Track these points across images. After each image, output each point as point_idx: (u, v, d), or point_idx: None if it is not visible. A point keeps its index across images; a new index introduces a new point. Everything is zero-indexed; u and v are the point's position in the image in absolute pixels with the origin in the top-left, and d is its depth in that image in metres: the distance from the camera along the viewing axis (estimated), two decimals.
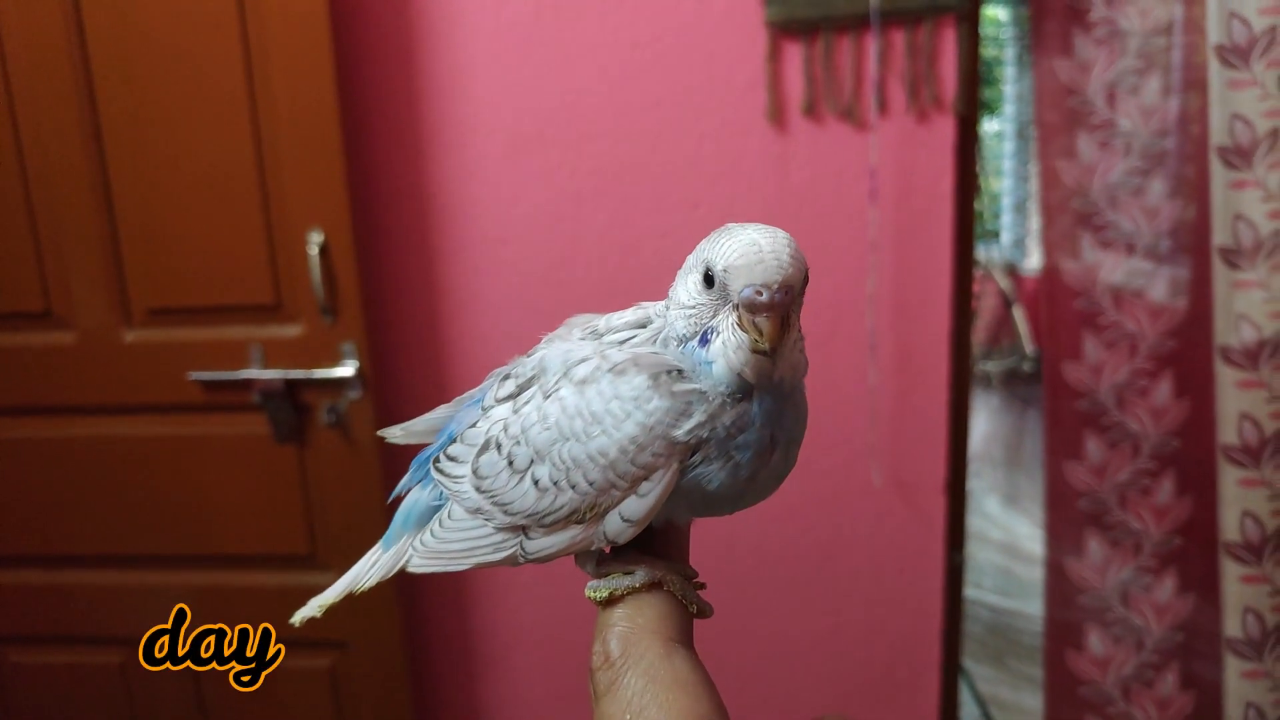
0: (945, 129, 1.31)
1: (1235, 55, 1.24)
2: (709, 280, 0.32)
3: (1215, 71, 1.26)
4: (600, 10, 1.33)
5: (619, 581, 0.34)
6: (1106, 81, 1.36)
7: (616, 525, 0.34)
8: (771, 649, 1.55)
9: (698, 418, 0.32)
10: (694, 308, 0.33)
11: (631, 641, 0.32)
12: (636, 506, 0.33)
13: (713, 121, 1.35)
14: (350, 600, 1.51)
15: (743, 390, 0.32)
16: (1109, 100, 1.37)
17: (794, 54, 1.31)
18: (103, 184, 1.35)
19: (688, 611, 0.33)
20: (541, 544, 0.36)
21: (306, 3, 1.25)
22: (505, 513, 0.37)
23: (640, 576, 0.34)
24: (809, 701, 1.57)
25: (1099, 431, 1.36)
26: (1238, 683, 1.27)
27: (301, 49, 1.27)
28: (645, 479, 0.33)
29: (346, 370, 1.37)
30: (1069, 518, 1.37)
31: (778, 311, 0.30)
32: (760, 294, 0.30)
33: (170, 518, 1.49)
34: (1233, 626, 1.26)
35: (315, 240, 1.32)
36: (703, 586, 0.35)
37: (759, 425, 0.32)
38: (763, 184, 1.35)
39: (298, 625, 0.46)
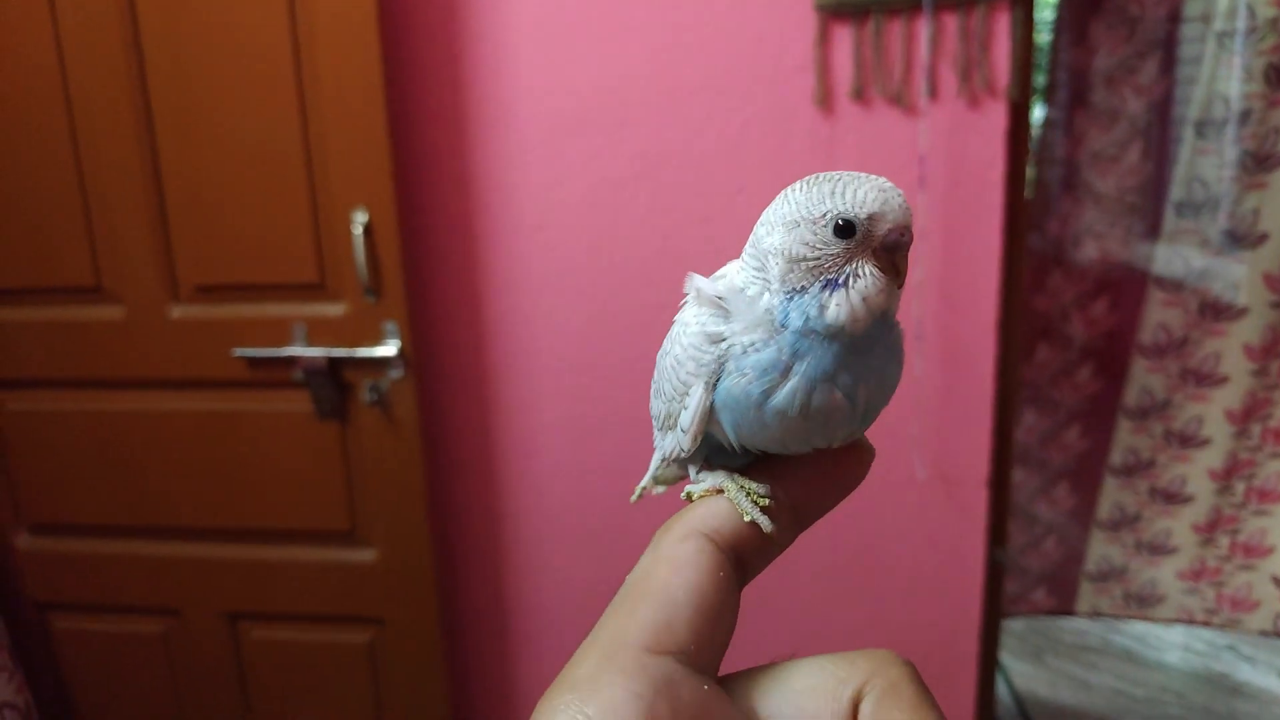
0: (997, 115, 1.28)
1: (1231, 39, 1.61)
2: (845, 230, 0.33)
3: (1210, 54, 1.66)
4: None
5: (695, 487, 0.36)
6: (1109, 64, 1.73)
7: (677, 434, 0.37)
8: (808, 637, 1.54)
9: (722, 343, 0.34)
10: (818, 258, 0.33)
11: (663, 529, 0.33)
12: (684, 417, 0.36)
13: (759, 105, 1.33)
14: (388, 579, 1.53)
15: (833, 333, 0.33)
16: (1106, 80, 1.75)
17: (844, 37, 1.28)
18: (153, 162, 1.37)
19: (740, 518, 0.33)
20: (660, 446, 0.40)
21: None
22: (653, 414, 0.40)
23: (706, 482, 0.36)
24: None
25: (1046, 338, 1.96)
26: (1113, 492, 2.02)
27: (348, 30, 1.28)
28: (686, 393, 0.36)
29: (389, 349, 1.38)
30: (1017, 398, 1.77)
31: (909, 249, 0.34)
32: (903, 235, 0.33)
33: (213, 491, 1.52)
34: (1116, 458, 1.99)
35: (360, 220, 1.33)
36: (766, 504, 0.34)
37: (777, 350, 0.33)
38: (808, 168, 1.33)
39: (633, 502, 0.47)
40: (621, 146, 1.38)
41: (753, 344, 0.34)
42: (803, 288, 0.33)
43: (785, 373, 0.34)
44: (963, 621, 1.49)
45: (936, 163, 1.30)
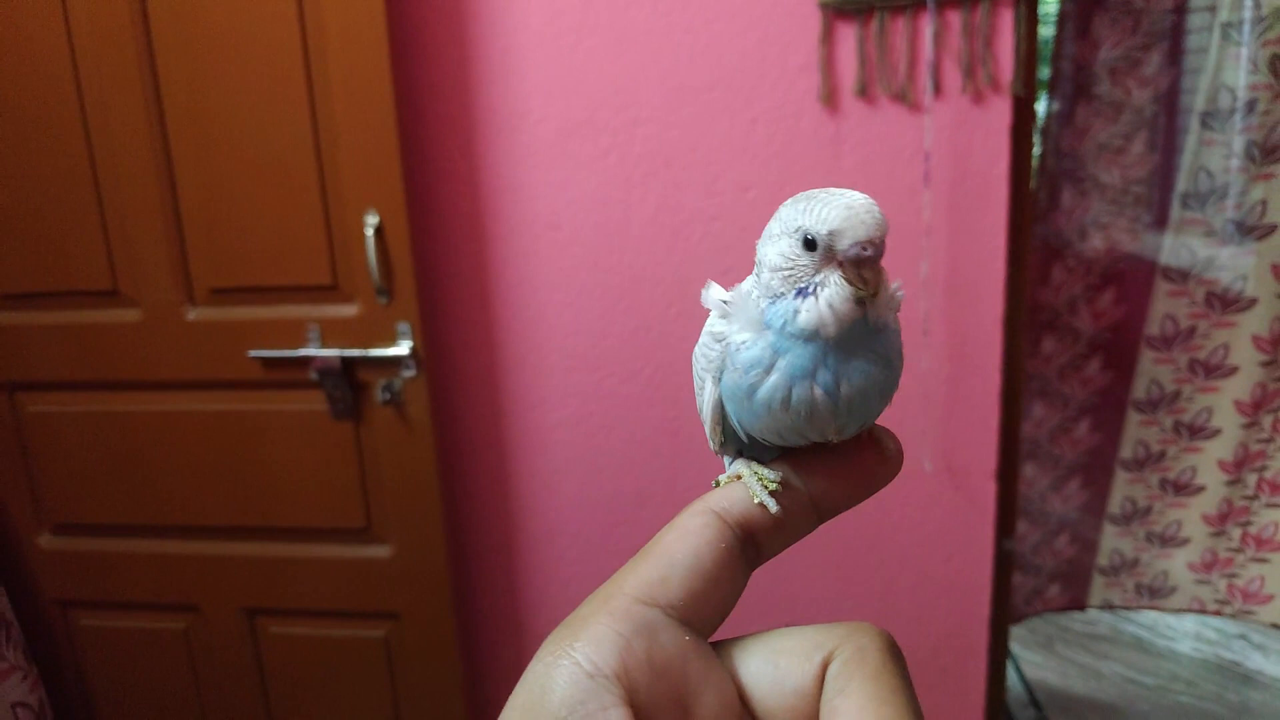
0: (1001, 110, 1.29)
1: (1237, 30, 1.61)
2: (810, 244, 0.36)
3: (1216, 45, 1.66)
4: None
5: (723, 476, 0.40)
6: (1112, 56, 1.71)
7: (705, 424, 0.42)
8: None
9: (723, 342, 0.39)
10: (791, 269, 0.37)
11: (685, 508, 0.36)
12: (703, 410, 0.41)
13: (765, 104, 1.34)
14: (403, 574, 1.55)
15: (807, 336, 0.37)
16: (1111, 72, 1.73)
17: (848, 35, 1.29)
18: (167, 168, 1.39)
19: (751, 500, 0.37)
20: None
21: None
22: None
23: (731, 471, 0.40)
24: None
25: (1053, 331, 1.91)
26: (1123, 487, 1.98)
27: (357, 34, 1.29)
28: (704, 387, 0.41)
29: (401, 349, 1.40)
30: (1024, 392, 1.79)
31: (878, 262, 0.36)
32: (866, 249, 0.35)
33: (230, 490, 1.54)
34: (1126, 451, 1.95)
35: (371, 222, 1.35)
36: (775, 489, 0.37)
37: (762, 348, 0.37)
38: (814, 166, 1.35)
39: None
40: (630, 146, 1.39)
41: (744, 342, 0.38)
42: (782, 294, 0.37)
43: (769, 369, 0.37)
44: (973, 612, 1.51)
45: (941, 159, 1.31)
